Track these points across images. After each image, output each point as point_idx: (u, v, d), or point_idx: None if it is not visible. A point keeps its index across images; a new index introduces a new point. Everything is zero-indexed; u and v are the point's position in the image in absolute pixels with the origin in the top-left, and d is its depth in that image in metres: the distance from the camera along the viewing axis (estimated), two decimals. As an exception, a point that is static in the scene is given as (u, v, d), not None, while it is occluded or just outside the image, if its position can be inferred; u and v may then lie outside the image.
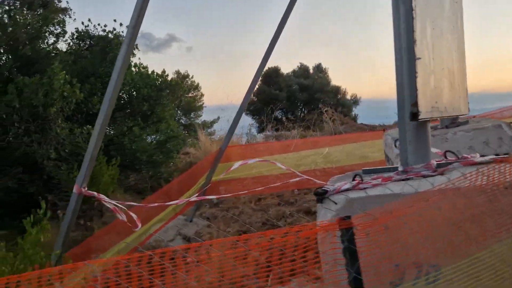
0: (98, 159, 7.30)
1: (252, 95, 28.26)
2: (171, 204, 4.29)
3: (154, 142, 8.90)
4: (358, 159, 6.17)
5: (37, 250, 2.71)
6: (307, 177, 2.79)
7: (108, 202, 3.95)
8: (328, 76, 28.85)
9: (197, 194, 5.02)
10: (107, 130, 8.69)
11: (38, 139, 6.58)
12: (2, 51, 7.12)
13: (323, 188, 2.43)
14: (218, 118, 18.12)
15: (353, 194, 2.26)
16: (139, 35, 3.67)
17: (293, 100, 26.97)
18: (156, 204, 3.83)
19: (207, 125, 19.84)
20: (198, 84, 23.67)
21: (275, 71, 27.96)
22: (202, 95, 21.77)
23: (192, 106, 21.11)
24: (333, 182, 2.67)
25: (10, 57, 7.06)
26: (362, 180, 2.42)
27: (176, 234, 5.99)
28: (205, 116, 21.30)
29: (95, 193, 4.08)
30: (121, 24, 8.49)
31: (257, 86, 30.60)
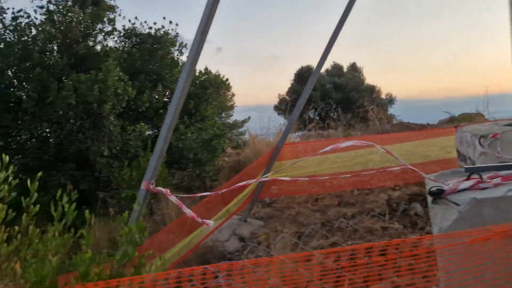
0: (146, 156, 7.28)
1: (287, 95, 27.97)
2: (246, 184, 4.15)
3: (198, 140, 8.83)
4: (420, 158, 5.90)
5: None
6: (412, 168, 2.57)
7: (175, 198, 3.86)
8: (362, 75, 28.30)
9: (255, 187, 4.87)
10: (153, 130, 8.68)
11: (92, 136, 6.58)
12: (56, 48, 7.17)
13: (438, 188, 2.23)
14: (249, 118, 18.04)
15: (477, 195, 2.05)
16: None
17: (327, 99, 26.62)
18: (236, 186, 3.64)
19: (238, 124, 19.75)
20: (229, 83, 23.63)
21: (308, 70, 27.67)
22: (233, 94, 21.67)
23: (224, 105, 21.06)
24: (439, 180, 2.46)
25: (63, 55, 7.11)
26: (481, 179, 2.21)
27: (231, 234, 5.88)
28: (235, 116, 21.22)
29: (163, 189, 3.98)
30: (170, 22, 8.46)
31: (289, 86, 30.33)
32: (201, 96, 9.27)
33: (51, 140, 6.77)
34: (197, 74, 9.43)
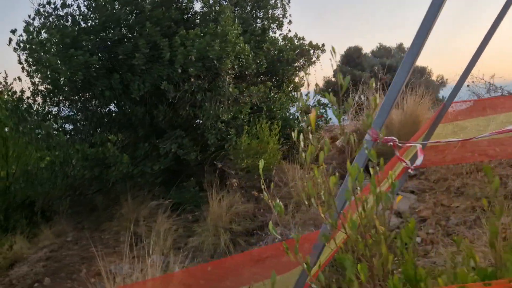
0: (262, 125, 6.48)
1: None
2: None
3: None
4: None
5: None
6: None
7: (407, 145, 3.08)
8: (413, 55, 26.99)
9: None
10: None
11: (210, 98, 5.80)
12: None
13: None
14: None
15: None
16: None
17: (376, 81, 25.48)
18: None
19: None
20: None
21: (357, 50, 26.54)
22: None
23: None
24: None
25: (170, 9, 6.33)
26: None
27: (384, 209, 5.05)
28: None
29: (393, 138, 3.14)
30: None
31: (335, 67, 29.20)
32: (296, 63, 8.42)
33: (164, 104, 5.99)
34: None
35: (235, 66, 5.98)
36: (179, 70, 5.54)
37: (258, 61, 7.05)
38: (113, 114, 6.65)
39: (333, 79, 26.25)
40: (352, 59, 26.21)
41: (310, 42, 8.76)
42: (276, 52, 7.97)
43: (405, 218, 4.93)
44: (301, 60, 8.56)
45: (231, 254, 5.68)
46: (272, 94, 7.58)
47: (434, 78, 27.87)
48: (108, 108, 6.70)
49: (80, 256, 6.57)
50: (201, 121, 6.08)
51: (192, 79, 5.61)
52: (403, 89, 6.63)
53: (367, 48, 32.68)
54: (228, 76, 5.94)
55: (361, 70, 25.53)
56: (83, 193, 6.95)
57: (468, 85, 10.28)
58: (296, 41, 8.59)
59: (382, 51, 28.00)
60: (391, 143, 3.20)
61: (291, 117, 7.98)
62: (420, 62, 26.88)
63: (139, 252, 6.26)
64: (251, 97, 6.06)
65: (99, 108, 6.64)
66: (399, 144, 2.92)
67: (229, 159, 6.05)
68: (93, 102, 6.56)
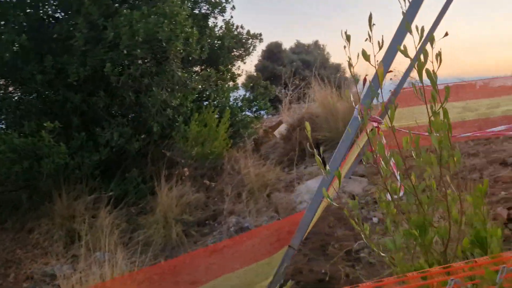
0: (209, 113, 6.28)
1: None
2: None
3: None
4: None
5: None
6: None
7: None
8: (328, 53, 28.42)
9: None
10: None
11: (158, 82, 5.48)
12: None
13: None
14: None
15: None
16: None
17: (296, 76, 26.28)
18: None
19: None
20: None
21: (277, 46, 27.11)
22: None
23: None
24: None
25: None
26: None
27: (340, 192, 5.18)
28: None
29: (379, 118, 3.24)
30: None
31: (257, 62, 29.53)
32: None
33: (104, 89, 5.53)
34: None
35: (181, 51, 5.69)
36: (124, 52, 5.14)
37: (201, 47, 6.81)
38: (45, 101, 5.98)
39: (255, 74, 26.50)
40: (272, 54, 26.73)
41: (248, 31, 8.70)
42: (216, 40, 7.78)
43: (359, 200, 5.09)
44: (240, 49, 8.47)
45: (184, 246, 5.43)
46: (214, 81, 7.38)
47: (348, 75, 29.41)
48: (36, 94, 6.00)
49: (4, 259, 5.86)
50: (145, 108, 5.70)
51: (139, 61, 5.23)
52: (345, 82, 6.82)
53: (286, 44, 33.58)
54: (176, 60, 5.65)
55: (282, 65, 26.17)
56: (7, 189, 6.18)
57: (391, 78, 10.85)
58: (234, 29, 8.47)
59: (299, 48, 28.96)
60: (375, 123, 3.23)
61: (234, 105, 7.85)
62: (335, 59, 28.17)
63: (78, 250, 5.73)
64: (200, 83, 5.82)
65: (26, 95, 5.93)
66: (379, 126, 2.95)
67: (177, 148, 5.76)
68: (20, 88, 5.85)
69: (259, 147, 7.71)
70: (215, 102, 7.03)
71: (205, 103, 6.50)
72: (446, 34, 1.58)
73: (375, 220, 4.67)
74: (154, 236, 5.58)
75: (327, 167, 2.45)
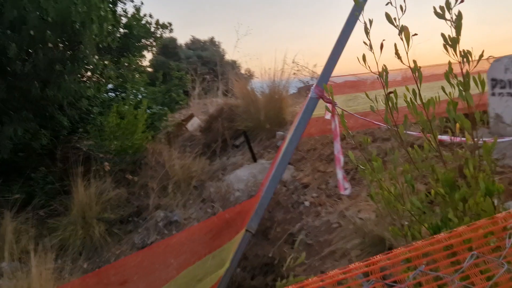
0: (126, 104, 5.91)
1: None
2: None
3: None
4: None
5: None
6: None
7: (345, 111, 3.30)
8: (223, 50, 28.74)
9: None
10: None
11: (72, 70, 5.00)
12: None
13: None
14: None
15: None
16: None
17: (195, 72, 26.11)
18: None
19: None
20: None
21: (172, 41, 26.56)
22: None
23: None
24: None
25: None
26: None
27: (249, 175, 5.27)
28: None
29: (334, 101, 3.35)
30: None
31: (152, 57, 28.62)
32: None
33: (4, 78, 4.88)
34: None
35: (95, 37, 5.26)
36: (31, 33, 4.58)
37: (111, 35, 6.36)
38: None
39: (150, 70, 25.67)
40: (167, 50, 26.08)
41: (157, 21, 8.34)
42: (124, 29, 7.32)
43: (288, 186, 5.23)
44: (149, 39, 8.09)
45: (108, 246, 5.04)
46: (130, 71, 6.95)
47: (243, 71, 29.96)
48: None
49: None
50: (53, 100, 5.15)
51: (49, 45, 4.70)
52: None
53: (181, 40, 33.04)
54: (90, 46, 5.20)
55: (178, 60, 25.69)
56: None
57: (294, 73, 11.29)
58: (142, 16, 8.05)
59: (195, 44, 28.76)
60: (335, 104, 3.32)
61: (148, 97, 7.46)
62: (232, 56, 28.59)
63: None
64: (117, 72, 5.44)
65: None
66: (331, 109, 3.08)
67: (95, 142, 5.30)
68: None
69: (173, 140, 7.44)
70: (131, 93, 6.63)
71: (123, 94, 6.08)
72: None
73: (306, 203, 4.83)
74: (71, 238, 5.08)
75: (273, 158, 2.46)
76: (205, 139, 6.68)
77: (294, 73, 9.83)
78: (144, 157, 5.63)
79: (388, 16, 1.49)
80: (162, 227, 5.04)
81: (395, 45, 1.58)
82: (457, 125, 1.54)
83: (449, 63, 1.53)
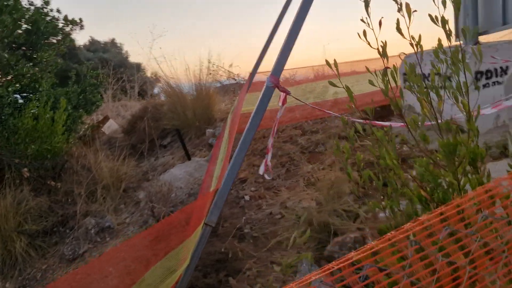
0: (41, 104, 5.39)
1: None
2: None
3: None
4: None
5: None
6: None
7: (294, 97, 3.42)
8: (126, 52, 27.82)
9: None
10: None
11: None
12: None
13: None
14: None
15: None
16: None
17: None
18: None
19: None
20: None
21: (71, 41, 24.84)
22: None
23: None
24: None
25: None
26: None
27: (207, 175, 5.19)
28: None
29: (287, 90, 3.42)
30: None
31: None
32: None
33: None
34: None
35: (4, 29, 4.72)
36: None
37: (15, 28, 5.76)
38: None
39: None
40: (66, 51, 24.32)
41: (66, 16, 7.71)
42: (28, 24, 6.64)
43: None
44: (56, 37, 7.44)
45: (32, 261, 4.52)
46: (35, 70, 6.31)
47: (148, 74, 29.20)
48: None
49: None
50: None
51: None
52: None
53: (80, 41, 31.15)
54: (-3, 40, 4.65)
55: (78, 63, 24.08)
56: None
57: (210, 73, 11.29)
58: (49, 11, 7.38)
59: (95, 46, 27.31)
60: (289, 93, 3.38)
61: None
62: (135, 58, 27.71)
63: None
64: (30, 68, 4.94)
65: None
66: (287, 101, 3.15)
67: (7, 147, 4.74)
68: None
69: (91, 143, 6.93)
70: (45, 94, 6.02)
71: (34, 94, 5.53)
72: None
73: (247, 198, 4.85)
74: (-17, 256, 4.46)
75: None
76: (130, 140, 6.34)
77: (210, 73, 9.79)
78: (66, 161, 5.16)
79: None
80: (94, 235, 4.67)
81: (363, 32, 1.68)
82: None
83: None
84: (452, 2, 1.68)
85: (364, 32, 1.79)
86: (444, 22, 1.67)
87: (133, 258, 3.01)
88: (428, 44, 2.07)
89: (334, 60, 1.77)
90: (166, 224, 3.18)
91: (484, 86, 4.72)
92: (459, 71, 1.70)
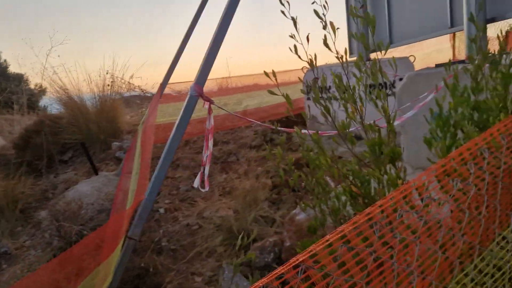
0: None
1: None
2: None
3: None
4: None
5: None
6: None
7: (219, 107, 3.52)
8: (5, 61, 25.45)
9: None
10: None
11: None
12: None
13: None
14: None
15: None
16: None
17: (-32, 86, 22.12)
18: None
19: None
20: None
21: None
22: None
23: None
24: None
25: None
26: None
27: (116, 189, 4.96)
28: None
29: (211, 99, 3.49)
30: None
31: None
32: None
33: None
34: None
35: None
36: None
37: None
38: None
39: None
40: None
41: None
42: None
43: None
44: None
45: None
46: None
47: (32, 86, 26.98)
48: None
49: None
50: None
51: None
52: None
53: None
54: None
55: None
56: None
57: (108, 84, 10.90)
58: None
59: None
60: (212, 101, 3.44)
61: None
62: (15, 69, 25.47)
63: None
64: None
65: None
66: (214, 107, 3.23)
67: None
68: None
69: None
70: None
71: None
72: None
73: (161, 211, 4.77)
74: None
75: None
76: (24, 156, 5.74)
77: (109, 85, 9.45)
78: None
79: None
80: (-14, 263, 4.15)
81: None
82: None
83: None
84: (347, 28, 1.93)
85: (295, 47, 1.95)
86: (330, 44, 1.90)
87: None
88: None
89: (273, 70, 1.90)
90: (79, 246, 3.01)
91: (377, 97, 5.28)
92: (360, 83, 1.94)
